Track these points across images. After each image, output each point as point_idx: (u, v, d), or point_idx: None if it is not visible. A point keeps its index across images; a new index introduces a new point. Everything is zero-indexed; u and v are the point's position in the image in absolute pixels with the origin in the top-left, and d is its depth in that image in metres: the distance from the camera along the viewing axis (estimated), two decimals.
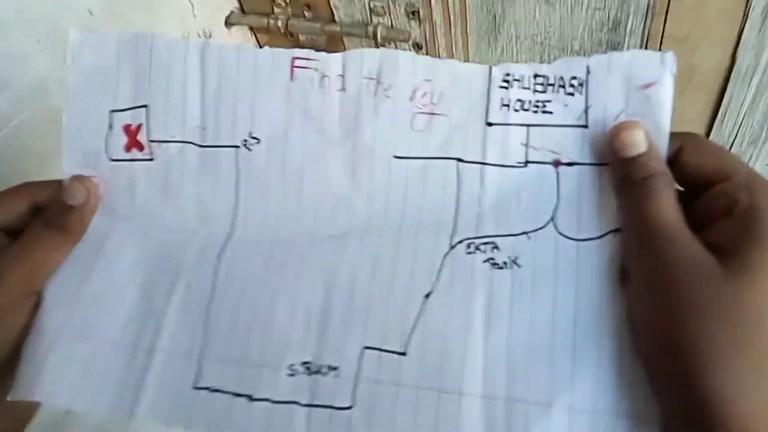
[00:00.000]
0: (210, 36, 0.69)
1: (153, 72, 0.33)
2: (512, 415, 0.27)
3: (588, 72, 0.29)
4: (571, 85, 0.29)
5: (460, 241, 0.31)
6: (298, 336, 0.30)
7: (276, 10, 0.68)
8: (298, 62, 0.32)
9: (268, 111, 0.33)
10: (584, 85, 0.29)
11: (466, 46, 0.65)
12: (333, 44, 0.70)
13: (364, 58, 0.31)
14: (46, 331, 0.31)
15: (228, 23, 0.70)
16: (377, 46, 0.68)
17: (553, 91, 0.30)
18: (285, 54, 0.32)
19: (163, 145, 0.33)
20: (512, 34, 0.62)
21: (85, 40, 0.33)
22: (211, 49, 0.33)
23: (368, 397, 0.29)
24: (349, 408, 0.29)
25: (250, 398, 0.30)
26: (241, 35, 0.72)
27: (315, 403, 0.29)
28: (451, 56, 0.67)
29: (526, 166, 0.30)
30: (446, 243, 0.31)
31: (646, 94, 0.28)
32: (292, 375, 0.30)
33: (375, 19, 0.65)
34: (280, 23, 0.68)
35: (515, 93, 0.30)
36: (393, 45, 0.67)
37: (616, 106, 0.29)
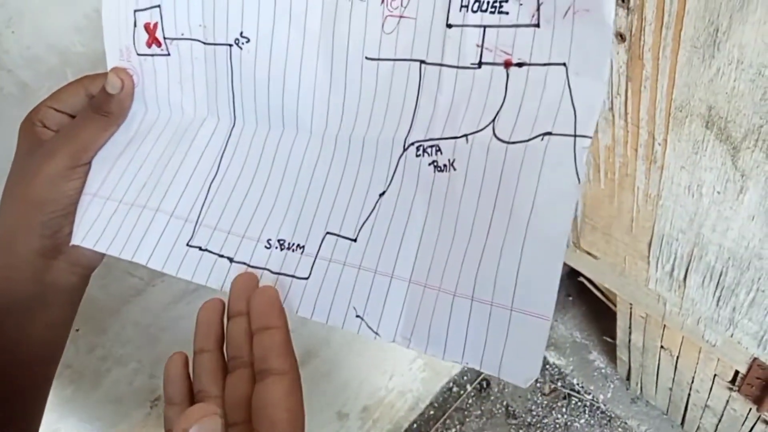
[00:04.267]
0: None
1: None
2: (425, 299, 0.32)
3: None
4: None
5: (412, 143, 0.33)
6: (277, 218, 0.36)
7: None
8: None
9: (257, 11, 0.35)
10: None
11: (676, 54, 0.53)
12: None
13: None
14: (88, 193, 0.38)
15: None
16: None
17: None
18: None
19: (176, 41, 0.38)
20: (734, 57, 0.48)
21: None
22: None
23: (321, 271, 0.34)
24: (306, 278, 0.35)
25: (231, 260, 0.36)
26: None
27: (282, 271, 0.35)
28: (656, 61, 0.55)
29: (479, 67, 0.31)
30: (401, 145, 0.34)
31: None
32: (267, 248, 0.36)
33: None
34: None
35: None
36: None
37: (564, 2, 0.28)
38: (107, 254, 0.38)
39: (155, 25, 0.38)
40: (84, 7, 0.51)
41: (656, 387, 1.23)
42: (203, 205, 0.37)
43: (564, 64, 0.29)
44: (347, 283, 0.34)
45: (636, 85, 0.59)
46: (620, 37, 0.56)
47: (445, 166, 0.32)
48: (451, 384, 1.46)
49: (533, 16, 0.29)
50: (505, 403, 1.41)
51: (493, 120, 0.31)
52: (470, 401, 1.43)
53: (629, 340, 1.16)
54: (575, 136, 0.29)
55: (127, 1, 0.38)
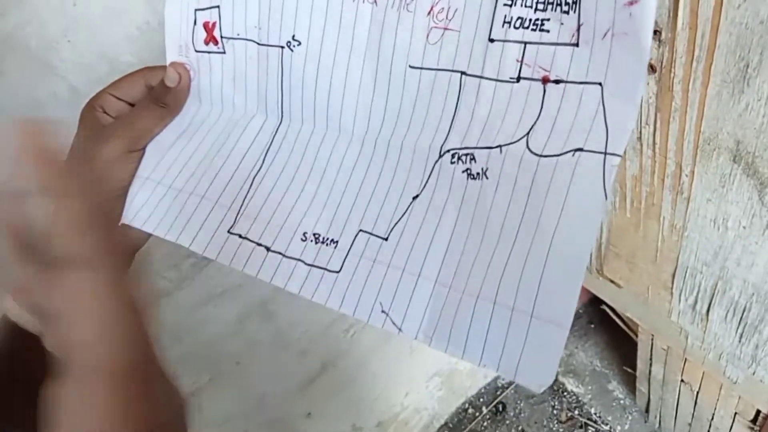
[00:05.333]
0: None
1: None
2: (449, 300, 0.33)
3: None
4: (567, 3, 0.30)
5: (448, 150, 0.35)
6: (314, 213, 0.38)
7: None
8: None
9: (309, 16, 0.37)
10: (578, 3, 0.30)
11: (705, 87, 0.53)
12: None
13: None
14: (140, 177, 0.41)
15: None
16: None
17: (551, 9, 0.31)
18: None
19: (231, 41, 0.40)
20: (764, 93, 0.49)
21: None
22: None
23: (352, 266, 0.36)
24: (337, 272, 0.36)
25: (268, 249, 0.38)
26: None
27: (315, 264, 0.37)
28: (686, 94, 0.55)
29: (518, 81, 0.32)
30: (437, 152, 0.35)
31: (630, 12, 0.28)
32: (303, 240, 0.38)
33: None
34: None
35: (517, 11, 0.32)
36: None
37: (604, 24, 0.29)
38: (153, 235, 0.41)
39: (213, 24, 0.40)
40: (136, 20, 0.54)
41: (675, 421, 1.21)
42: (246, 195, 0.40)
43: (600, 84, 0.30)
44: (376, 280, 0.35)
45: (665, 116, 0.60)
46: (651, 68, 0.57)
47: (478, 174, 0.34)
48: (466, 405, 1.45)
49: (573, 36, 0.30)
50: (520, 428, 1.40)
51: (528, 133, 0.32)
52: (485, 423, 1.42)
53: (650, 372, 1.15)
54: (606, 153, 0.30)
55: (189, 0, 0.41)
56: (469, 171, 0.34)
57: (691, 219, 0.67)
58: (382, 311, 0.34)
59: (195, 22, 0.41)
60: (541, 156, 0.32)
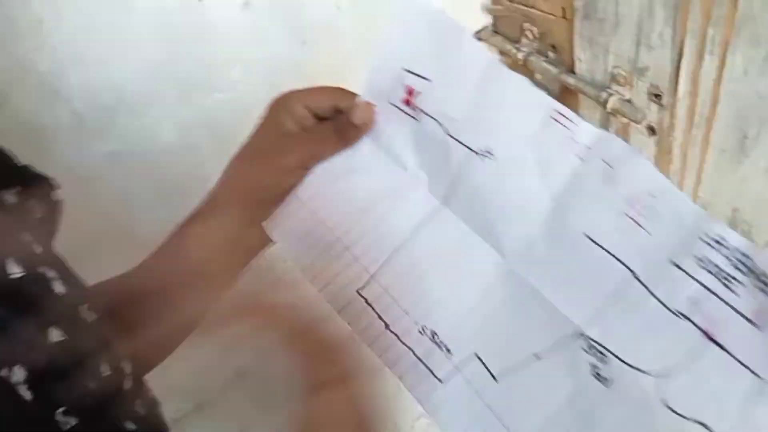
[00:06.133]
0: None
1: (449, 60, 0.38)
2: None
3: None
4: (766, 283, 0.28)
5: (587, 336, 0.33)
6: (439, 312, 0.37)
7: (523, 40, 0.65)
8: (556, 115, 0.34)
9: (511, 138, 0.36)
10: None
11: (704, 153, 0.53)
12: (565, 95, 0.64)
13: (613, 144, 0.33)
14: (297, 199, 0.41)
15: (478, 38, 0.69)
16: (606, 116, 0.60)
17: (750, 276, 0.28)
18: (549, 101, 0.35)
19: (427, 116, 0.39)
20: (762, 166, 0.49)
21: (418, 9, 0.39)
22: (496, 67, 0.37)
23: (456, 385, 0.36)
24: (440, 382, 0.36)
25: (386, 326, 0.38)
26: None
27: (424, 360, 0.37)
28: (685, 158, 0.56)
29: (679, 317, 0.30)
30: (577, 329, 0.33)
31: None
32: (421, 333, 0.37)
33: (614, 87, 0.58)
34: (521, 55, 0.64)
35: (715, 255, 0.29)
36: (623, 120, 0.58)
37: None
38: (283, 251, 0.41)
39: (417, 93, 0.39)
40: (147, 51, 0.55)
41: None
42: (384, 263, 0.39)
43: (760, 377, 0.28)
44: (472, 412, 0.35)
45: None
46: (651, 130, 0.58)
47: (599, 375, 0.32)
48: None
49: (758, 315, 0.28)
50: None
51: (664, 376, 0.30)
52: None
53: None
54: None
55: (403, 55, 0.40)
56: (596, 368, 0.32)
57: None
58: None
59: (399, 79, 0.40)
60: (667, 407, 0.30)
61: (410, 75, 0.40)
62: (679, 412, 0.29)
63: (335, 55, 0.65)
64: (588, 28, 0.57)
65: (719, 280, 0.29)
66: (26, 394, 0.22)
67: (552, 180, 0.35)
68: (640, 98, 0.56)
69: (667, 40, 0.50)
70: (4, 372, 0.21)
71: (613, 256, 0.32)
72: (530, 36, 0.64)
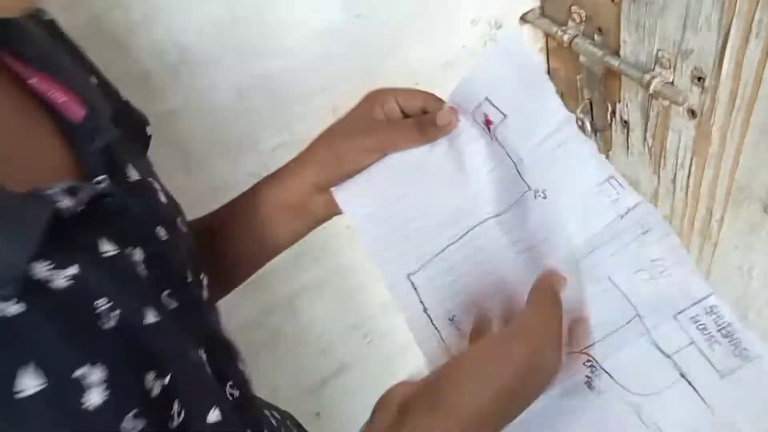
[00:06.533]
0: (500, 27, 0.71)
1: (528, 104, 0.42)
2: None
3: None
4: (745, 356, 0.36)
5: (588, 356, 0.39)
6: (469, 308, 0.41)
7: (570, 23, 0.67)
8: (612, 181, 0.39)
9: (568, 190, 0.40)
10: (753, 363, 0.36)
11: (743, 136, 0.55)
12: (608, 77, 0.66)
13: (650, 212, 0.38)
14: (370, 173, 0.44)
15: (523, 19, 0.71)
16: (648, 98, 0.62)
17: (732, 344, 0.36)
18: (611, 170, 0.40)
19: (498, 144, 0.43)
20: None
21: (516, 48, 0.43)
22: (571, 125, 0.41)
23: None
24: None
25: (425, 310, 0.42)
26: (531, 35, 0.73)
27: (447, 343, 0.41)
28: (724, 141, 0.57)
29: (665, 356, 0.37)
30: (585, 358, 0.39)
31: None
32: (450, 321, 0.41)
33: (657, 70, 0.59)
34: (566, 37, 0.66)
35: (707, 319, 0.37)
36: (664, 102, 0.60)
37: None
38: (349, 218, 0.44)
39: (492, 123, 0.43)
40: (211, 14, 0.58)
41: None
42: (435, 257, 0.43)
43: (713, 413, 0.36)
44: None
45: (701, 161, 0.61)
46: (691, 113, 0.59)
47: (590, 385, 0.38)
48: None
49: (723, 367, 0.36)
50: None
51: (644, 393, 0.37)
52: None
53: None
54: None
55: (488, 85, 0.43)
56: (590, 379, 0.38)
57: (717, 264, 0.68)
58: None
59: (480, 105, 0.44)
60: (640, 419, 0.37)
61: (491, 106, 0.43)
62: (647, 423, 0.37)
63: (386, 29, 0.68)
64: (635, 11, 0.58)
65: (704, 336, 0.37)
66: (143, 272, 0.25)
67: (591, 229, 0.40)
68: (683, 81, 0.58)
69: (713, 23, 0.52)
70: (128, 250, 0.25)
71: (627, 298, 0.39)
72: (577, 19, 0.66)
